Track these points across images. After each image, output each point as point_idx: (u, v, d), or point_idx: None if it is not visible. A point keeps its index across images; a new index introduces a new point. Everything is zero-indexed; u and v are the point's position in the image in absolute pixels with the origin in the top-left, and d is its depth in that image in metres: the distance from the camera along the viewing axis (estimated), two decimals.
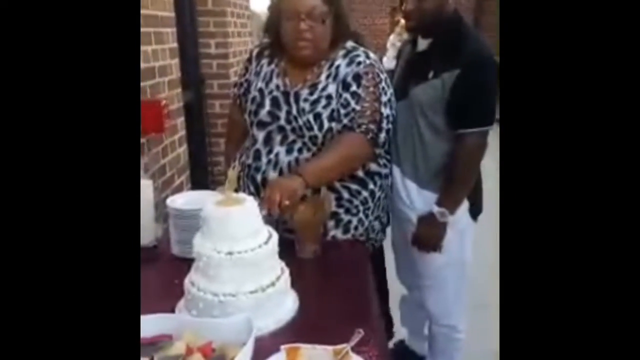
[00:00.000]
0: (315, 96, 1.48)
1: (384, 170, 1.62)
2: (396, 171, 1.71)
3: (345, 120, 1.46)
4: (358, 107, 1.46)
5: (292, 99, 1.49)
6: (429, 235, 1.66)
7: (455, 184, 1.62)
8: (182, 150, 2.45)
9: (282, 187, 1.33)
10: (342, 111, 1.46)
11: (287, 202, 1.31)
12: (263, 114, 1.51)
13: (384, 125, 1.50)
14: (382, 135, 1.50)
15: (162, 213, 1.53)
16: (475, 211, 1.73)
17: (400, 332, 2.16)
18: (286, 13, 1.44)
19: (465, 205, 1.68)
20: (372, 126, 1.47)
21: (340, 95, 1.47)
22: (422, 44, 1.66)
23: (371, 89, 1.48)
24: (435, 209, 1.61)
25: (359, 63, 1.48)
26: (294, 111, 1.48)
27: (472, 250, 1.78)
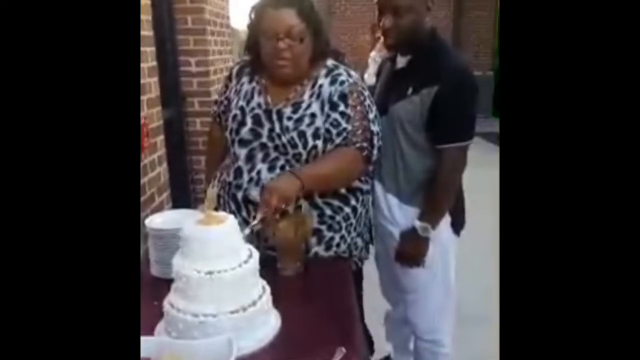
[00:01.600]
0: (298, 115, 1.48)
1: (366, 186, 1.62)
2: (378, 187, 1.72)
3: (338, 140, 1.48)
4: (349, 127, 1.48)
5: (274, 117, 1.49)
6: (411, 250, 1.66)
7: (436, 198, 1.63)
8: (162, 168, 2.42)
9: (280, 190, 1.35)
10: (334, 131, 1.47)
11: (283, 207, 1.33)
12: (245, 131, 1.51)
13: (375, 142, 1.52)
14: (375, 153, 1.52)
15: (142, 233, 1.51)
16: (457, 226, 1.73)
17: (386, 347, 2.15)
18: (265, 33, 1.44)
19: (447, 220, 1.68)
20: (365, 144, 1.49)
21: (329, 116, 1.48)
22: (401, 61, 1.68)
23: (358, 107, 1.49)
24: (417, 224, 1.61)
25: (342, 82, 1.49)
26: (277, 129, 1.48)
27: (456, 264, 1.78)
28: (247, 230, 1.30)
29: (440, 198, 1.63)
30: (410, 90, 1.58)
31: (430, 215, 1.63)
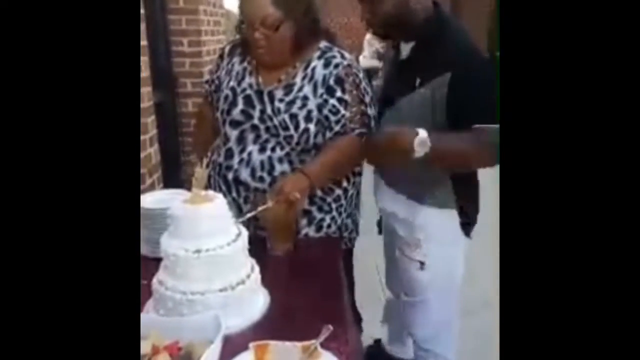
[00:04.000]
0: (290, 97, 1.47)
1: (357, 168, 1.62)
2: (380, 181, 1.66)
3: (337, 127, 1.48)
4: (347, 114, 1.48)
5: (266, 98, 1.49)
6: (385, 142, 1.33)
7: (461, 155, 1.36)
8: (154, 149, 2.41)
9: (294, 182, 1.38)
10: (333, 118, 1.47)
11: (297, 195, 1.35)
12: (236, 112, 1.50)
13: (372, 126, 1.52)
14: None
15: None
16: (468, 225, 1.55)
17: (376, 330, 2.10)
18: (244, 18, 1.45)
19: (454, 220, 1.52)
20: (363, 130, 1.50)
21: (326, 101, 1.47)
22: (405, 48, 1.51)
23: (354, 92, 1.49)
24: (422, 133, 1.28)
25: (337, 65, 1.48)
26: (269, 110, 1.47)
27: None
28: (243, 219, 1.30)
29: (467, 158, 1.37)
30: (418, 82, 1.40)
31: (439, 143, 1.29)
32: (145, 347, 0.88)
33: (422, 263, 1.54)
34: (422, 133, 1.27)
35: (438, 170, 1.47)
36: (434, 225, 1.54)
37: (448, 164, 1.42)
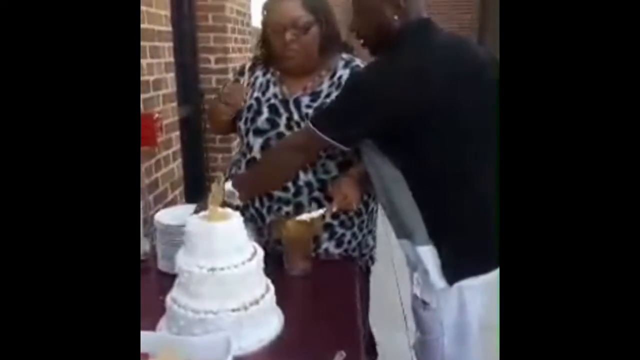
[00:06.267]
0: (318, 103, 1.47)
1: None
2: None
3: None
4: None
5: (292, 106, 1.49)
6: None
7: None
8: (177, 164, 2.43)
9: (352, 188, 1.42)
10: None
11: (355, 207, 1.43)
12: (261, 121, 1.50)
13: None
14: None
15: (152, 227, 1.51)
16: (453, 272, 1.27)
17: (390, 351, 2.06)
18: (272, 26, 1.47)
19: (435, 261, 1.28)
20: None
21: None
22: None
23: None
24: (227, 186, 1.38)
25: None
26: (296, 117, 1.48)
27: None
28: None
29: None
30: None
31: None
32: None
33: (425, 302, 1.34)
34: (227, 186, 1.40)
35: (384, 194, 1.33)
36: (423, 263, 1.30)
37: (258, 186, 1.49)
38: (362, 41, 1.39)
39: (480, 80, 1.26)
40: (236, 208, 1.35)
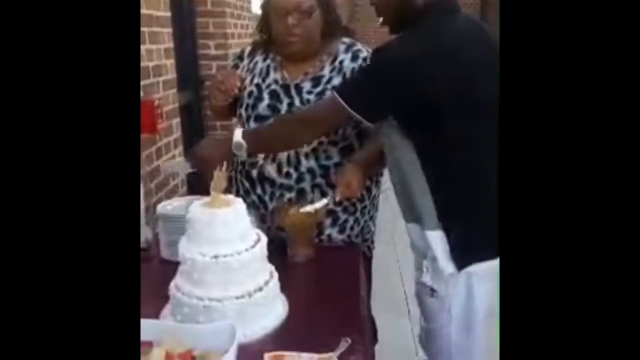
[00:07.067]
0: (319, 88, 1.46)
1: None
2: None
3: None
4: None
5: (293, 92, 1.48)
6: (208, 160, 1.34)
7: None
8: (178, 152, 2.42)
9: (356, 175, 1.43)
10: None
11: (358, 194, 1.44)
12: (262, 107, 1.49)
13: None
14: None
15: (154, 216, 1.50)
16: (461, 257, 1.26)
17: (389, 338, 2.01)
18: (274, 9, 1.45)
19: (444, 246, 1.27)
20: None
21: None
22: None
23: None
24: (236, 136, 1.37)
25: (365, 59, 1.48)
26: (297, 102, 1.46)
27: None
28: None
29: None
30: None
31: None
32: (158, 355, 0.86)
33: (433, 290, 1.31)
34: (236, 136, 1.37)
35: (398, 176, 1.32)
36: (432, 249, 1.29)
37: (269, 148, 1.47)
38: (381, 19, 1.33)
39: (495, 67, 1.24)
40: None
